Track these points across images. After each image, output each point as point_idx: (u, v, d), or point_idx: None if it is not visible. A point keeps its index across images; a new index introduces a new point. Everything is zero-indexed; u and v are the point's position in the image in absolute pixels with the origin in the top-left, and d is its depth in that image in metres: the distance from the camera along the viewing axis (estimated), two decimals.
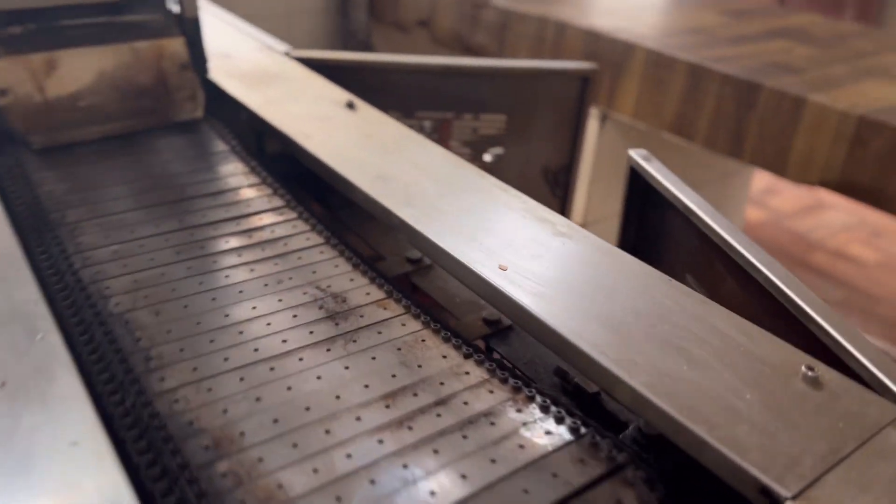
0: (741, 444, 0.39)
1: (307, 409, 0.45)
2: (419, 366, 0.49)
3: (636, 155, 0.78)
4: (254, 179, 0.72)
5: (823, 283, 2.00)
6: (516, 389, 0.48)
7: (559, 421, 0.45)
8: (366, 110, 0.83)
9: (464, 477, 0.41)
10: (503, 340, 0.59)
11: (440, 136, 1.12)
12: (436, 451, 0.42)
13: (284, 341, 0.51)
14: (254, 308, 0.54)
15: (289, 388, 0.46)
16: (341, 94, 0.86)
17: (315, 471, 0.40)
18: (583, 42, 1.59)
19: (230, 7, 1.31)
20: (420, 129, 1.09)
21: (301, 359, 0.49)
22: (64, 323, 0.49)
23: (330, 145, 0.73)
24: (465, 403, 0.46)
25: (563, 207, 1.19)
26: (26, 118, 0.74)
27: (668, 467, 0.43)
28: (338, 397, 0.46)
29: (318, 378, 0.47)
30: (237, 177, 0.72)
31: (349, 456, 0.41)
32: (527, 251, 0.56)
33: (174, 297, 0.54)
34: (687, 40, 1.55)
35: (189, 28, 0.83)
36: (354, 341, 0.51)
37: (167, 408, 0.44)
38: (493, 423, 0.45)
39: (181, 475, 0.39)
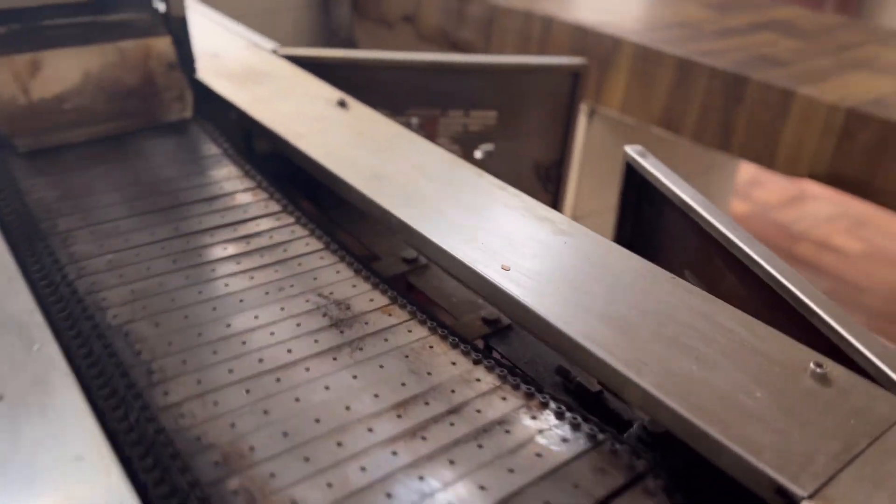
0: (755, 444, 0.38)
1: (317, 420, 0.44)
2: (429, 373, 0.48)
3: (632, 151, 0.77)
4: (249, 183, 0.70)
5: (809, 273, 2.02)
6: (529, 395, 0.47)
7: (575, 428, 0.45)
8: (358, 108, 0.81)
9: (482, 488, 0.40)
10: (503, 340, 0.59)
11: (426, 133, 1.10)
12: (452, 462, 0.41)
13: (289, 351, 0.49)
14: (256, 317, 0.52)
15: (297, 400, 0.45)
16: (332, 93, 0.85)
17: (329, 485, 0.39)
18: (569, 37, 1.58)
19: (211, 4, 1.29)
20: (408, 127, 1.07)
21: (307, 369, 0.48)
22: (61, 336, 0.48)
23: (323, 145, 0.71)
24: (478, 411, 0.45)
25: (555, 203, 1.19)
26: (11, 120, 0.72)
27: (676, 464, 0.43)
28: (348, 408, 0.45)
29: (326, 388, 0.46)
30: (231, 181, 0.71)
31: (363, 469, 0.40)
32: (528, 250, 0.55)
33: (173, 308, 0.53)
34: (673, 34, 1.55)
35: (176, 27, 0.81)
36: (361, 349, 0.50)
37: (173, 423, 0.43)
38: (508, 432, 0.44)
39: (191, 493, 0.38)
